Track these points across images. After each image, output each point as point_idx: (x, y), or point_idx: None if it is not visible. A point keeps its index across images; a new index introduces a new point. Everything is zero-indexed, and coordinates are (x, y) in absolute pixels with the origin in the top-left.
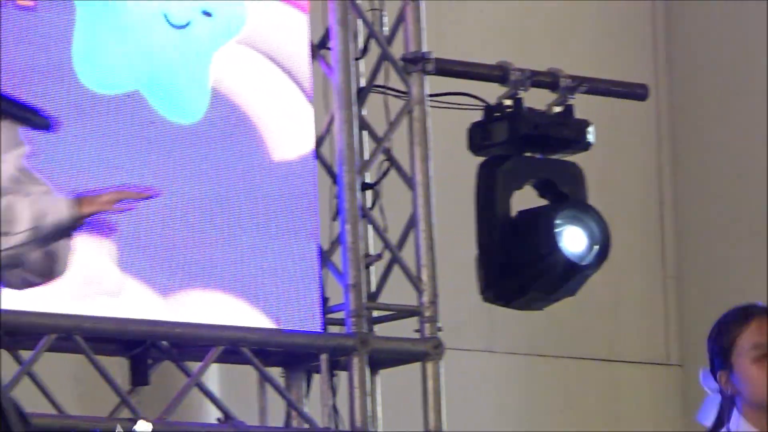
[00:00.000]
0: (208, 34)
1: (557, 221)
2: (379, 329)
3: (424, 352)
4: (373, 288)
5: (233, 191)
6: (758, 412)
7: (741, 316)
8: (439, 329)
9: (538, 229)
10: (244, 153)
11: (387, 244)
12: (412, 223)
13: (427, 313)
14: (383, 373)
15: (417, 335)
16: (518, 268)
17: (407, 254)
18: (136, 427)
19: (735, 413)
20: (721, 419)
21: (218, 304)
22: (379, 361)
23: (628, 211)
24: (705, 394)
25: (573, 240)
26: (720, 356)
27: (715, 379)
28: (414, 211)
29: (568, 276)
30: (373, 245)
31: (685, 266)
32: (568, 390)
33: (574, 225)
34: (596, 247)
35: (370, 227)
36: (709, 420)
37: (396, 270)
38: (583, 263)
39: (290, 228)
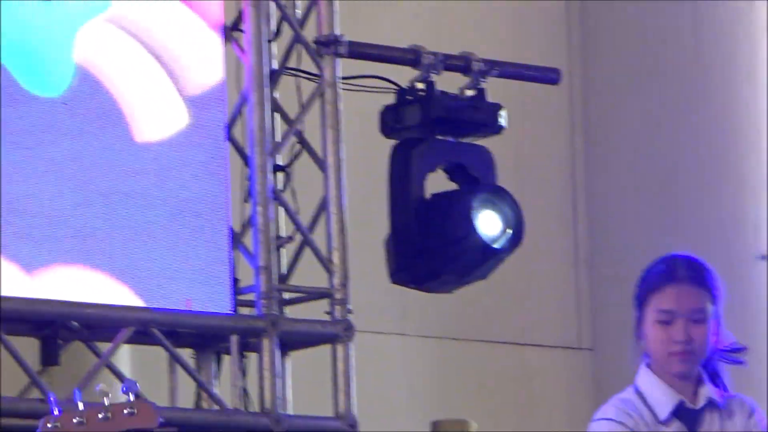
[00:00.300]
0: (76, 7)
1: (473, 205)
2: (290, 311)
3: (335, 334)
4: (284, 270)
5: (98, 168)
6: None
7: (662, 276)
8: (350, 312)
9: (454, 213)
10: (107, 131)
11: (298, 227)
12: (323, 206)
13: (338, 296)
14: (294, 355)
15: (328, 317)
16: (432, 250)
17: (318, 237)
18: None
19: (642, 369)
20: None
21: (84, 280)
22: (290, 342)
23: (540, 196)
24: (616, 377)
25: (487, 224)
26: (637, 300)
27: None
28: (325, 194)
29: (482, 260)
30: (285, 227)
31: (596, 251)
32: (479, 374)
33: (489, 209)
34: (510, 232)
35: (281, 209)
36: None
37: (307, 252)
38: (498, 247)
39: (200, 210)
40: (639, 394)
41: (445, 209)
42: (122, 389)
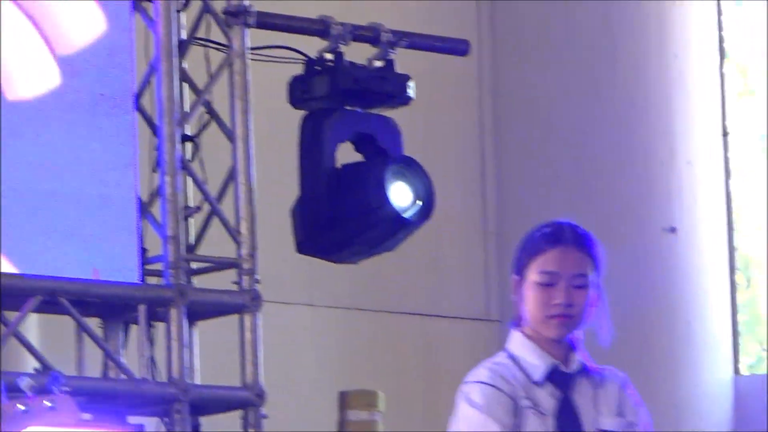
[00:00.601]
0: None
1: (386, 176)
2: (198, 281)
3: (242, 304)
4: (192, 240)
5: None
6: (534, 326)
7: (547, 238)
8: (258, 282)
9: (366, 183)
10: None
11: (206, 197)
12: (231, 176)
13: (246, 266)
14: (201, 325)
15: (235, 287)
16: (343, 221)
17: (226, 207)
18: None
19: (514, 333)
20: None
21: None
22: (197, 312)
23: (449, 167)
24: None
25: (398, 195)
26: (518, 262)
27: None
28: (233, 164)
29: (394, 231)
30: (193, 197)
31: (505, 222)
32: (387, 344)
33: (400, 180)
34: (420, 203)
35: (189, 179)
36: None
37: (215, 222)
38: (409, 218)
39: (108, 179)
40: (512, 358)
41: (357, 180)
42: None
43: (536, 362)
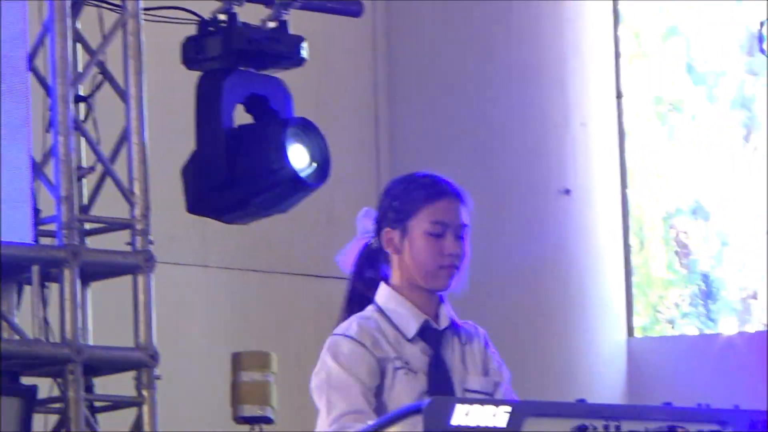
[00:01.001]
0: None
1: (285, 137)
2: (91, 242)
3: (135, 265)
4: (86, 201)
5: None
6: (410, 282)
7: (434, 189)
8: (151, 243)
9: (267, 145)
10: None
11: (99, 157)
12: (124, 137)
13: (139, 227)
14: (95, 286)
15: (128, 248)
16: (241, 181)
17: (120, 168)
18: None
19: (384, 287)
20: (362, 265)
21: None
22: (91, 273)
23: (342, 129)
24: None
25: (296, 157)
26: (396, 213)
27: (378, 230)
28: (127, 125)
29: (292, 192)
30: (86, 158)
31: None
32: (281, 305)
33: (297, 143)
34: (316, 165)
35: (82, 140)
36: (347, 263)
37: (108, 183)
38: (307, 180)
39: (2, 140)
40: (381, 312)
41: (256, 141)
42: None
43: (408, 317)
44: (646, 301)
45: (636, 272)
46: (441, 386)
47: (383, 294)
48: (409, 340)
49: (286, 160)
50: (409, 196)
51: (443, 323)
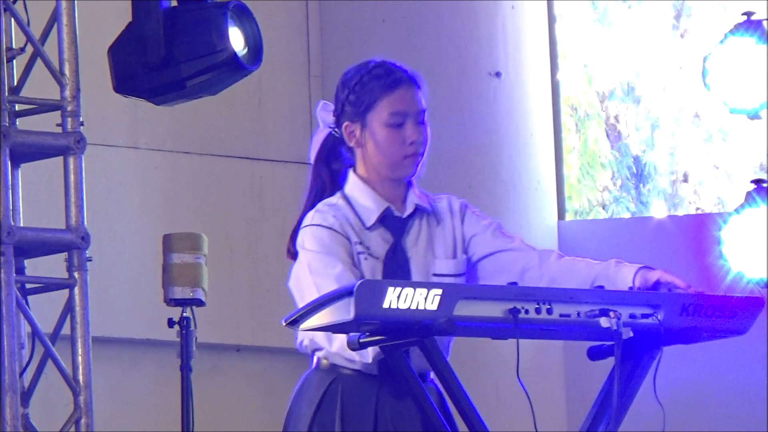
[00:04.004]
0: None
1: (226, 19)
2: (22, 123)
3: (66, 146)
4: (15, 82)
5: None
6: (375, 172)
7: (389, 80)
8: (82, 124)
9: (208, 25)
10: None
11: (29, 38)
12: (54, 18)
13: (70, 108)
14: (25, 167)
15: (59, 129)
16: (178, 62)
17: (50, 48)
18: None
19: (351, 175)
20: (326, 155)
21: None
22: (21, 154)
23: (272, 9)
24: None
25: (234, 40)
26: (354, 107)
27: (338, 123)
28: (57, 5)
29: (229, 74)
30: (15, 39)
31: (328, 66)
32: (212, 187)
33: (234, 26)
34: (249, 49)
35: (12, 20)
36: (312, 153)
37: (39, 64)
38: (245, 64)
39: None
40: (346, 199)
41: (195, 22)
42: None
43: (369, 205)
44: (592, 184)
45: (577, 156)
46: (397, 273)
47: (350, 182)
48: (368, 228)
49: (228, 42)
50: (364, 88)
51: (408, 210)
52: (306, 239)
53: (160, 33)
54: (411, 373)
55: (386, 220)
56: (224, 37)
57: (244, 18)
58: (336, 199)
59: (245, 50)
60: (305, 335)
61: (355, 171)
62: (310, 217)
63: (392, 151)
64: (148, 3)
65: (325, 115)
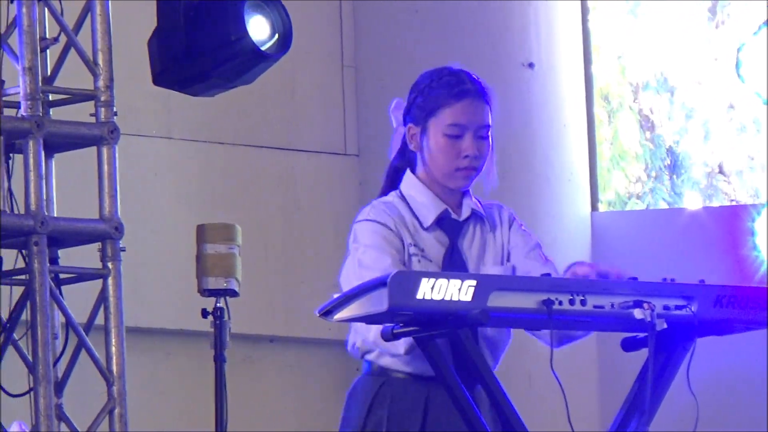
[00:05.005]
0: None
1: (245, 8)
2: (55, 113)
3: (100, 136)
4: (49, 72)
5: None
6: (431, 177)
7: (456, 89)
8: (115, 114)
9: (227, 15)
10: None
11: (63, 28)
12: (88, 7)
13: (103, 98)
14: (59, 157)
15: (93, 120)
16: (200, 53)
17: (83, 38)
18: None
19: (408, 175)
20: (401, 153)
21: None
22: (55, 144)
23: (305, 1)
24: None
25: (256, 29)
26: (419, 111)
27: (404, 123)
28: None
29: (252, 64)
30: (49, 29)
31: (362, 55)
32: (246, 178)
33: (258, 14)
34: (278, 36)
35: (46, 10)
36: (392, 150)
37: (72, 54)
38: (267, 52)
39: None
40: (403, 198)
41: (217, 11)
42: None
43: (427, 205)
44: (621, 175)
45: (608, 146)
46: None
47: (407, 181)
48: (426, 229)
49: (245, 31)
50: (431, 94)
51: (465, 214)
52: (359, 233)
53: (181, 26)
54: (444, 364)
55: (443, 222)
56: (241, 25)
57: (271, 5)
58: (392, 197)
59: (274, 38)
60: (357, 337)
61: (413, 172)
62: (366, 212)
63: (446, 161)
64: None
65: (397, 113)
